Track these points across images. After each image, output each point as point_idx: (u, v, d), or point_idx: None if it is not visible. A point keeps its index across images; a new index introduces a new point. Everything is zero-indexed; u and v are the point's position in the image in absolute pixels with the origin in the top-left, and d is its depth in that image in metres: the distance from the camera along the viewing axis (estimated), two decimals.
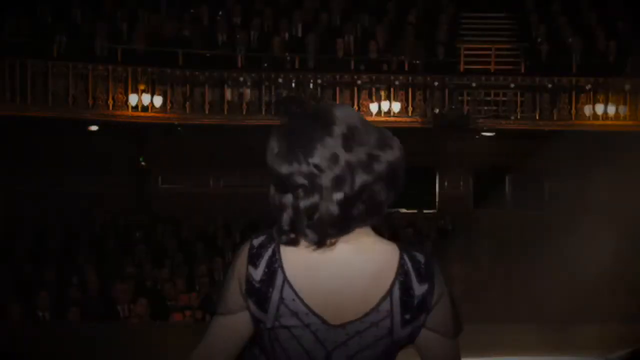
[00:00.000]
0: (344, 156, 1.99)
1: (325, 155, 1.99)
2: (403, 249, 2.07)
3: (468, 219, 15.36)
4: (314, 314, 2.03)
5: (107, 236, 14.96)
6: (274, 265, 2.04)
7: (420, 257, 2.07)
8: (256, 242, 2.08)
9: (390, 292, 2.04)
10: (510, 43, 17.23)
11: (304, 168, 1.99)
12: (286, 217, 2.02)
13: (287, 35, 16.78)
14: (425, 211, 16.71)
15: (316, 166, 1.99)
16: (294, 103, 2.11)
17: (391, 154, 2.04)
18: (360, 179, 2.00)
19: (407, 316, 2.05)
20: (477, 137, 16.70)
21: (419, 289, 2.06)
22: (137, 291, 11.89)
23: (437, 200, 17.70)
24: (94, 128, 15.75)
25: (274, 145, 2.03)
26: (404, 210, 15.54)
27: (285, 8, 17.29)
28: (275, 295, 2.03)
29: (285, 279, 2.03)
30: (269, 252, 2.05)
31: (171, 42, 16.05)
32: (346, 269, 2.03)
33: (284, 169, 2.00)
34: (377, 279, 2.03)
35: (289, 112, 2.09)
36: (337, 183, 1.98)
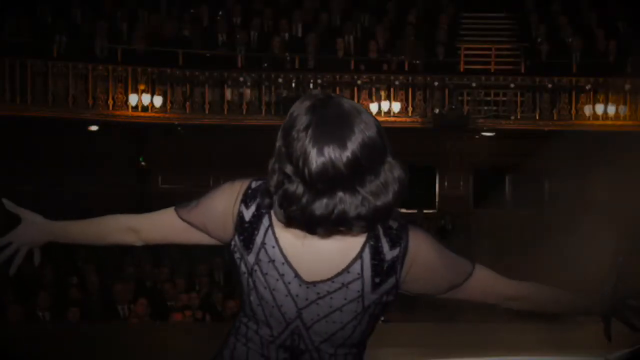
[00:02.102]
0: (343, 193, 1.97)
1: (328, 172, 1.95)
2: None
3: (468, 219, 15.36)
4: (289, 265, 2.06)
5: None
6: (262, 210, 2.09)
7: (393, 223, 2.11)
8: (254, 184, 2.14)
9: (360, 254, 2.06)
10: (510, 43, 17.22)
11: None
12: (274, 182, 2.02)
13: (287, 35, 16.77)
14: (425, 211, 16.69)
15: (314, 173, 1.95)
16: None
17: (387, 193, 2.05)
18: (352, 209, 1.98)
19: (377, 279, 2.07)
20: (477, 137, 16.69)
21: (389, 253, 2.09)
22: (137, 291, 11.89)
23: (437, 200, 17.70)
24: (94, 128, 15.74)
25: (305, 123, 1.97)
26: (404, 210, 15.50)
27: (285, 8, 17.28)
28: (258, 239, 2.09)
29: (270, 225, 2.08)
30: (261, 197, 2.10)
31: (171, 42, 16.04)
32: None
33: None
34: (349, 242, 2.06)
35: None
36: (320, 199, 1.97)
